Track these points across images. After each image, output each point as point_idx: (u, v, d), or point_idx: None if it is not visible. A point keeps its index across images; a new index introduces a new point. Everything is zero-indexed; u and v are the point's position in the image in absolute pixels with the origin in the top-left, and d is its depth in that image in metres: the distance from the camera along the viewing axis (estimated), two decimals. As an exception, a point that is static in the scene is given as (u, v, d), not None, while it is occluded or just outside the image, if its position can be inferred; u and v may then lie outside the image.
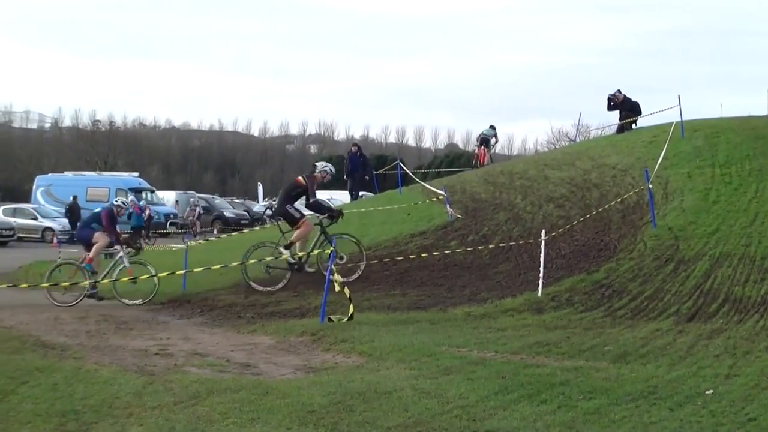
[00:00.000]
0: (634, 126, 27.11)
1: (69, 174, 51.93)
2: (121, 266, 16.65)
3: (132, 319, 13.97)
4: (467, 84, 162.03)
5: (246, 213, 52.64)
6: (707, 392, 7.95)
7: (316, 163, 17.22)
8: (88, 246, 16.85)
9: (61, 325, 13.12)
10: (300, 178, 16.83)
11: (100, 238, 16.72)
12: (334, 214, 16.53)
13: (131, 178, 49.95)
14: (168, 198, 51.88)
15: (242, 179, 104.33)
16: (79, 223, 21.03)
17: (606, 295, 13.73)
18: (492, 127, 32.39)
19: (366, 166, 29.80)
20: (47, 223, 39.66)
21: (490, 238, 18.01)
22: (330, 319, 12.49)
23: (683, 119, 23.21)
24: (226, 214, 51.29)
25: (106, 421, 7.22)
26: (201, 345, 11.40)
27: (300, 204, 16.87)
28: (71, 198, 39.66)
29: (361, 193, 30.21)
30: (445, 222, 20.00)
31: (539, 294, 13.88)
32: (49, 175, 52.25)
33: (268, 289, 15.92)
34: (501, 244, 17.21)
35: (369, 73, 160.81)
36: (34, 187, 48.15)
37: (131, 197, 37.78)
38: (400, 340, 10.84)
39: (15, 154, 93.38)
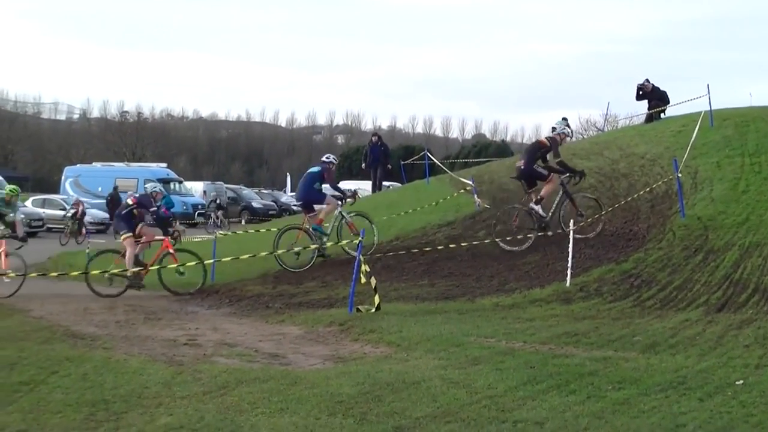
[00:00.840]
0: (662, 115, 26.89)
1: (97, 165, 52.32)
2: (343, 220, 17.28)
3: (160, 310, 14.07)
4: (494, 74, 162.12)
5: (273, 203, 52.73)
6: (737, 383, 7.89)
7: (554, 125, 18.17)
8: (312, 209, 17.40)
9: (90, 316, 13.23)
10: (543, 139, 18.09)
11: (331, 201, 17.22)
12: (576, 173, 17.27)
13: (159, 168, 50.12)
14: (196, 188, 52.02)
15: (270, 170, 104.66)
16: (300, 187, 18.29)
17: (635, 285, 13.62)
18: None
19: (387, 156, 29.78)
20: (76, 213, 39.91)
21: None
22: (358, 309, 12.51)
23: (712, 108, 22.99)
24: (254, 204, 51.41)
25: (135, 410, 7.27)
26: (229, 335, 11.46)
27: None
28: (113, 188, 40.25)
29: (387, 184, 30.17)
30: (472, 212, 19.97)
31: (567, 284, 13.81)
32: (78, 166, 52.64)
33: (514, 249, 16.58)
34: (529, 235, 17.13)
35: (396, 64, 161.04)
36: (63, 178, 48.53)
37: (160, 188, 37.94)
38: (429, 330, 10.84)
39: (44, 145, 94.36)
